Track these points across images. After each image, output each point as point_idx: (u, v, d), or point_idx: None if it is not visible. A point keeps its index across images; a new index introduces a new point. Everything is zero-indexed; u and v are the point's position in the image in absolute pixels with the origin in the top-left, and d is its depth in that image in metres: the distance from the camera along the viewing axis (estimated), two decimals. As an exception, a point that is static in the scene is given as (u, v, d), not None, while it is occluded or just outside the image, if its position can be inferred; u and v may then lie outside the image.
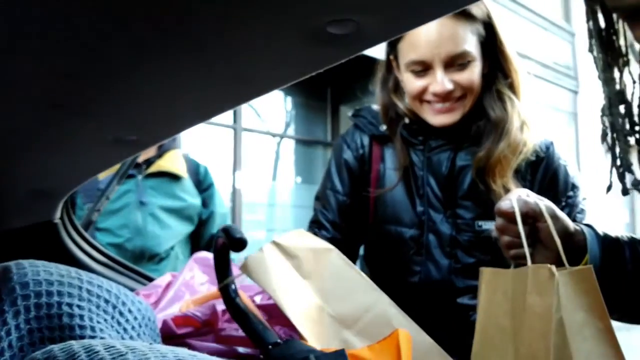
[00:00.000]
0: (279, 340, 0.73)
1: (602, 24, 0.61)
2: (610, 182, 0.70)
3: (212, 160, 6.55)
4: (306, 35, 0.43)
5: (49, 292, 0.69)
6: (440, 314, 1.11)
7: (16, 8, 0.37)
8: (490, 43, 1.09)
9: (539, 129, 1.13)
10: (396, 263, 1.15)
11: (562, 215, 0.82)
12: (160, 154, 1.79)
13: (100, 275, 1.16)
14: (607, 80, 0.62)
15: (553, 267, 0.69)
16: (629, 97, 0.60)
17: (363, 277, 0.89)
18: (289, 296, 0.83)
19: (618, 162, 0.65)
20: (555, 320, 0.66)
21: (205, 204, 1.86)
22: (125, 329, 0.77)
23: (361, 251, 1.28)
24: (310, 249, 0.89)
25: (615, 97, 0.61)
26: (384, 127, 1.19)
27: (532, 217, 0.79)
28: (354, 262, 1.25)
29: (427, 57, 1.04)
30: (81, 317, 0.70)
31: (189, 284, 1.07)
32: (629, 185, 0.68)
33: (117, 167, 1.57)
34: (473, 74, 1.06)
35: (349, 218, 1.19)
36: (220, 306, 0.89)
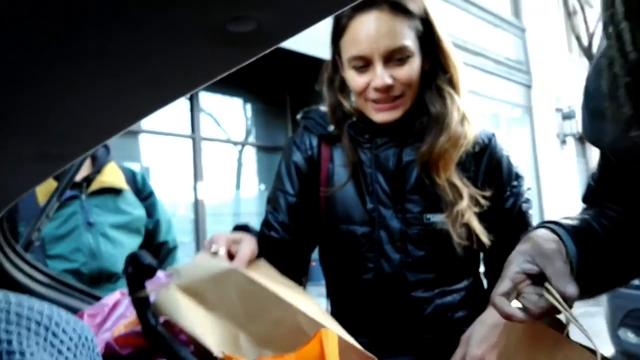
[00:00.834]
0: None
1: None
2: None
3: (172, 171, 6.48)
4: (206, 35, 0.42)
5: (-28, 318, 0.66)
6: (396, 309, 1.12)
7: None
8: (429, 39, 1.10)
9: (478, 122, 1.15)
10: (350, 261, 1.15)
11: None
12: (98, 170, 1.73)
13: (43, 297, 1.13)
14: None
15: None
16: None
17: (268, 290, 0.88)
18: (202, 328, 0.85)
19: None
20: None
21: (149, 213, 1.82)
22: (60, 351, 0.74)
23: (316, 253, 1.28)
24: (211, 278, 0.89)
25: None
26: (331, 127, 1.19)
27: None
28: (306, 263, 1.25)
29: (366, 53, 1.05)
30: (9, 342, 0.67)
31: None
32: None
33: (51, 187, 1.52)
34: (412, 69, 1.07)
35: (299, 219, 1.18)
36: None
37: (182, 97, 0.54)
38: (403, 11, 1.05)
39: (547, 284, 0.71)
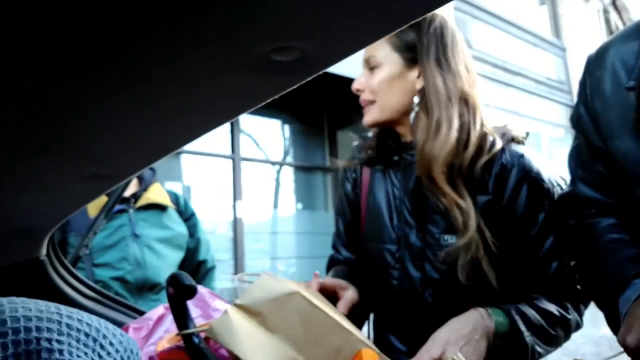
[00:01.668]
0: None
1: None
2: None
3: (212, 191, 6.59)
4: (251, 65, 0.45)
5: (27, 328, 0.69)
6: (416, 327, 1.12)
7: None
8: (411, 55, 1.13)
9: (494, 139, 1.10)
10: (376, 279, 1.19)
11: None
12: (145, 188, 1.86)
13: (89, 310, 1.17)
14: None
15: None
16: None
17: (330, 316, 0.89)
18: (259, 354, 0.84)
19: None
20: None
21: (191, 233, 1.93)
22: (107, 362, 0.77)
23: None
24: (273, 300, 0.89)
25: None
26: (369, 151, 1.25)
27: None
28: None
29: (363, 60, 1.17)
30: (60, 351, 0.70)
31: (181, 318, 1.07)
32: None
33: (101, 202, 1.62)
34: (379, 78, 1.13)
35: (356, 239, 1.27)
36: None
37: (226, 122, 0.56)
38: None
39: None
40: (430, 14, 1.10)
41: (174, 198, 1.95)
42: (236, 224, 6.52)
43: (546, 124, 10.49)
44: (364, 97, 1.16)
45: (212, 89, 0.49)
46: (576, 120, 0.97)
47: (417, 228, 1.13)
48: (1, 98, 0.45)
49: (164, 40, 0.40)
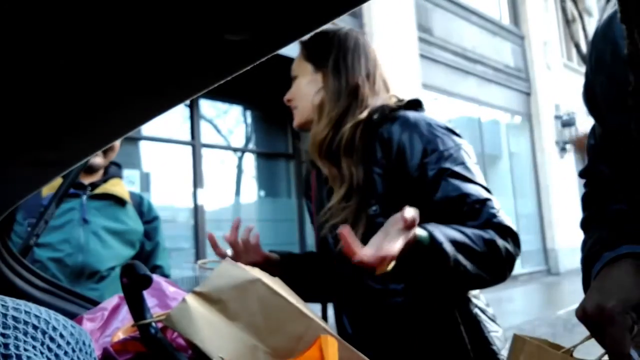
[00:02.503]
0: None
1: None
2: None
3: (172, 178, 6.49)
4: (203, 43, 0.43)
5: (-31, 322, 0.66)
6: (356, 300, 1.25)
7: None
8: (320, 61, 1.31)
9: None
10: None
11: None
12: (105, 179, 1.81)
13: (40, 301, 1.13)
14: None
15: None
16: None
17: (291, 303, 0.88)
18: (218, 342, 0.83)
19: None
20: None
21: (149, 236, 1.88)
22: (57, 355, 0.74)
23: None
24: (234, 287, 0.88)
25: None
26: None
27: None
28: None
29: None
30: (5, 346, 0.67)
31: (137, 307, 1.05)
32: None
33: (56, 183, 1.57)
34: (296, 86, 1.36)
35: None
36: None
37: (179, 104, 0.54)
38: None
39: None
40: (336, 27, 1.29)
41: (138, 199, 1.91)
42: (197, 211, 6.45)
43: (504, 111, 10.72)
44: (291, 104, 1.37)
45: (162, 69, 0.47)
46: (585, 95, 0.95)
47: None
48: None
49: (111, 19, 0.38)
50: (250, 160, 7.61)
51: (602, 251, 0.76)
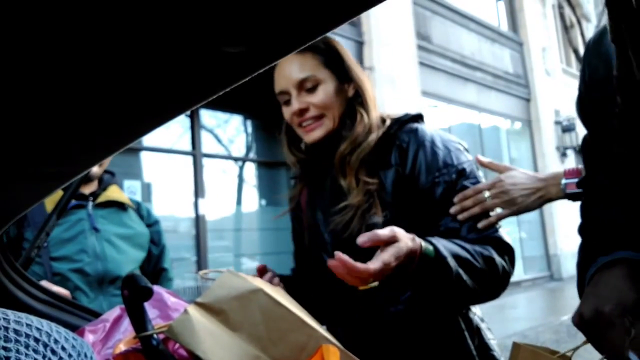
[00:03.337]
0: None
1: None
2: None
3: (173, 188, 6.49)
4: (200, 55, 0.43)
5: (-29, 335, 0.66)
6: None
7: None
8: (338, 67, 1.27)
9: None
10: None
11: None
12: (104, 188, 1.83)
13: (42, 314, 1.13)
14: None
15: None
16: None
17: (293, 313, 0.88)
18: (220, 353, 0.83)
19: None
20: None
21: (154, 240, 1.91)
22: (58, 368, 0.74)
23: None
24: (236, 297, 0.88)
25: None
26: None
27: None
28: None
29: (285, 87, 1.25)
30: (7, 359, 0.67)
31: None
32: None
33: (58, 196, 1.58)
34: (323, 94, 1.24)
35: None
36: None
37: (178, 116, 0.55)
38: (308, 48, 1.23)
39: None
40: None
41: (135, 205, 1.93)
42: (198, 221, 6.44)
43: (504, 118, 10.73)
44: (310, 114, 1.24)
45: (160, 82, 0.47)
46: (578, 109, 0.96)
47: (326, 223, 1.28)
48: None
49: (109, 33, 0.38)
50: (251, 169, 7.61)
51: (596, 256, 0.77)
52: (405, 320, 1.17)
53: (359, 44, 7.22)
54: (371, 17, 7.29)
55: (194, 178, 6.52)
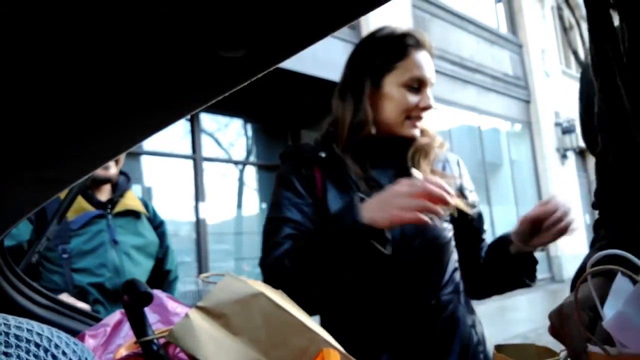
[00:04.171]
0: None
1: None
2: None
3: (174, 192, 6.49)
4: (198, 60, 0.43)
5: (-29, 341, 0.66)
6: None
7: None
8: None
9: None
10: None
11: None
12: (121, 194, 1.83)
13: (42, 319, 1.13)
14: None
15: None
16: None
17: (294, 317, 0.87)
18: (222, 357, 0.82)
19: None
20: None
21: (160, 242, 1.91)
22: (59, 373, 0.74)
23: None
24: (237, 301, 0.87)
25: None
26: (323, 154, 1.28)
27: None
28: None
29: (425, 76, 1.25)
30: (8, 364, 0.67)
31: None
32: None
33: (79, 205, 1.66)
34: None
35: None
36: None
37: (177, 121, 0.55)
38: (426, 48, 1.30)
39: None
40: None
41: (144, 206, 1.93)
42: (199, 225, 6.44)
43: (504, 119, 10.73)
44: (426, 113, 1.28)
45: (159, 87, 0.47)
46: (583, 135, 0.97)
47: None
48: None
49: (108, 37, 0.38)
50: (251, 172, 7.61)
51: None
52: (443, 312, 1.21)
53: (359, 47, 7.22)
54: (370, 20, 7.29)
55: (195, 182, 6.52)
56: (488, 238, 1.37)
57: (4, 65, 0.42)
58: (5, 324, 0.72)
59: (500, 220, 9.58)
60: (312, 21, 0.41)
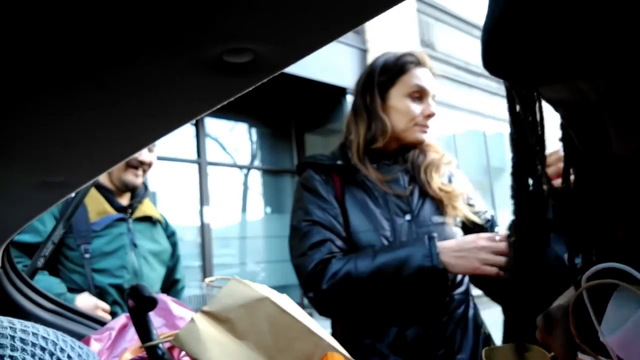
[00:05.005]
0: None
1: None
2: None
3: (178, 196, 6.50)
4: (204, 66, 0.44)
5: (-22, 344, 0.66)
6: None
7: None
8: None
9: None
10: None
11: None
12: (139, 200, 1.87)
13: (48, 323, 1.14)
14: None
15: None
16: None
17: (300, 322, 0.87)
18: None
19: None
20: None
21: (171, 251, 1.95)
22: (64, 377, 0.74)
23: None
24: (242, 306, 0.87)
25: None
26: (339, 161, 1.43)
27: None
28: None
29: (425, 86, 1.40)
30: (14, 368, 0.67)
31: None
32: None
33: (102, 208, 1.71)
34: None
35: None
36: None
37: (182, 126, 0.55)
38: (425, 65, 1.44)
39: None
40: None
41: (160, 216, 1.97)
42: (204, 229, 6.45)
43: (504, 122, 10.70)
44: (431, 121, 1.43)
45: (164, 91, 0.47)
46: None
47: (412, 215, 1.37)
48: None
49: (114, 43, 0.39)
50: (256, 177, 7.62)
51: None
52: (456, 309, 1.33)
53: (363, 52, 7.23)
54: (375, 26, 7.31)
55: (199, 186, 6.54)
56: None
57: (14, 67, 0.43)
58: (11, 327, 0.72)
59: (505, 225, 9.54)
60: (318, 27, 0.41)
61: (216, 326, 0.86)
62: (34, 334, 0.74)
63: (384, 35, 7.52)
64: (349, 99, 6.78)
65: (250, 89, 0.48)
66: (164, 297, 1.08)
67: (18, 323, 0.73)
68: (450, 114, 9.14)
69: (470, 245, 1.19)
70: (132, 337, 1.03)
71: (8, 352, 0.69)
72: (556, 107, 0.55)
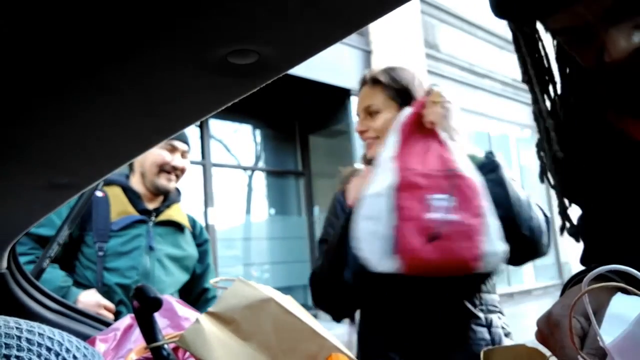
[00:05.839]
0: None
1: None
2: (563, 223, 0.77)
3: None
4: (208, 67, 0.44)
5: (-16, 344, 0.67)
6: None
7: None
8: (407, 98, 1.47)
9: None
10: None
11: None
12: (168, 205, 1.89)
13: (53, 323, 1.14)
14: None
15: None
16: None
17: (304, 322, 0.88)
18: None
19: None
20: None
21: (201, 258, 1.95)
22: (70, 377, 0.75)
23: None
24: (247, 307, 0.88)
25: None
26: None
27: None
28: None
29: (358, 109, 1.50)
30: (20, 368, 0.68)
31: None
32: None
33: (124, 209, 1.74)
34: (382, 120, 1.44)
35: None
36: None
37: (187, 127, 0.55)
38: (374, 82, 1.49)
39: None
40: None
41: (191, 222, 1.98)
42: (208, 230, 6.45)
43: (513, 125, 10.68)
44: (369, 135, 1.46)
45: (170, 93, 0.48)
46: None
47: None
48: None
49: (119, 46, 0.39)
50: (260, 178, 7.63)
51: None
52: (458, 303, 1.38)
53: (367, 53, 7.23)
54: (379, 27, 7.31)
55: (204, 187, 6.54)
56: None
57: (20, 70, 0.43)
58: (17, 328, 0.73)
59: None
60: (322, 29, 0.42)
61: (221, 327, 0.87)
62: (40, 334, 0.75)
63: (388, 36, 7.51)
64: (353, 100, 6.78)
65: (255, 90, 0.49)
66: (169, 299, 1.09)
67: (24, 323, 0.74)
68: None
69: None
70: (137, 338, 1.03)
71: (14, 352, 0.70)
72: (558, 35, 0.68)
